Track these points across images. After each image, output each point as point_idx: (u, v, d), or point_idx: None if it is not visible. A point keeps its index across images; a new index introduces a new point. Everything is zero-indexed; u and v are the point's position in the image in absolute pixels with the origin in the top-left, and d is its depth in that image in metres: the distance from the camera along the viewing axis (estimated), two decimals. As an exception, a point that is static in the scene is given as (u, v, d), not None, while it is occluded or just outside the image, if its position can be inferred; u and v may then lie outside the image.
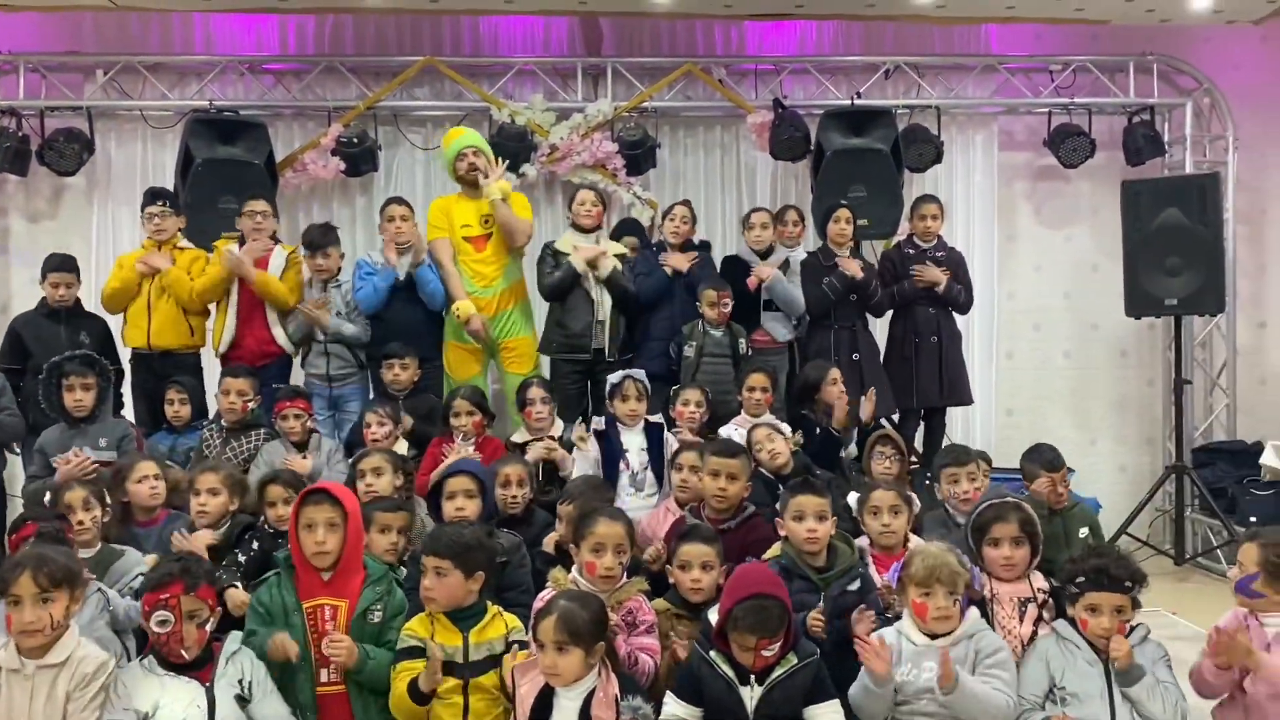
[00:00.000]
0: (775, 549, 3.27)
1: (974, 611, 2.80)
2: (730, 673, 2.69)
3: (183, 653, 2.68)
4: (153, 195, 5.21)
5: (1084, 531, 3.84)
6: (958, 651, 2.70)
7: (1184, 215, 5.87)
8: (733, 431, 4.51)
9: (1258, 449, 5.96)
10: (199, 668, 2.71)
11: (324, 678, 2.91)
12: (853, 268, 5.23)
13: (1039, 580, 3.07)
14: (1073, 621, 2.77)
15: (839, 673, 2.79)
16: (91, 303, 5.29)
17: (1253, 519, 5.70)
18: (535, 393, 4.60)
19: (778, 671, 2.68)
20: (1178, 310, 6.01)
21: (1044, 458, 3.93)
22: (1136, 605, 2.72)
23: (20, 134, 6.05)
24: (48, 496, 3.57)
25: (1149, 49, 6.46)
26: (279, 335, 5.12)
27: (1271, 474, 5.77)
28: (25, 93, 6.15)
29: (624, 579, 3.05)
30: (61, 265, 5.05)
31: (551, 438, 4.51)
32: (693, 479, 3.80)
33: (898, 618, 3.00)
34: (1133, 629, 2.73)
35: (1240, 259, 6.56)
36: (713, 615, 2.81)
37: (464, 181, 5.26)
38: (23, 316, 5.17)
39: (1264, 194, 6.75)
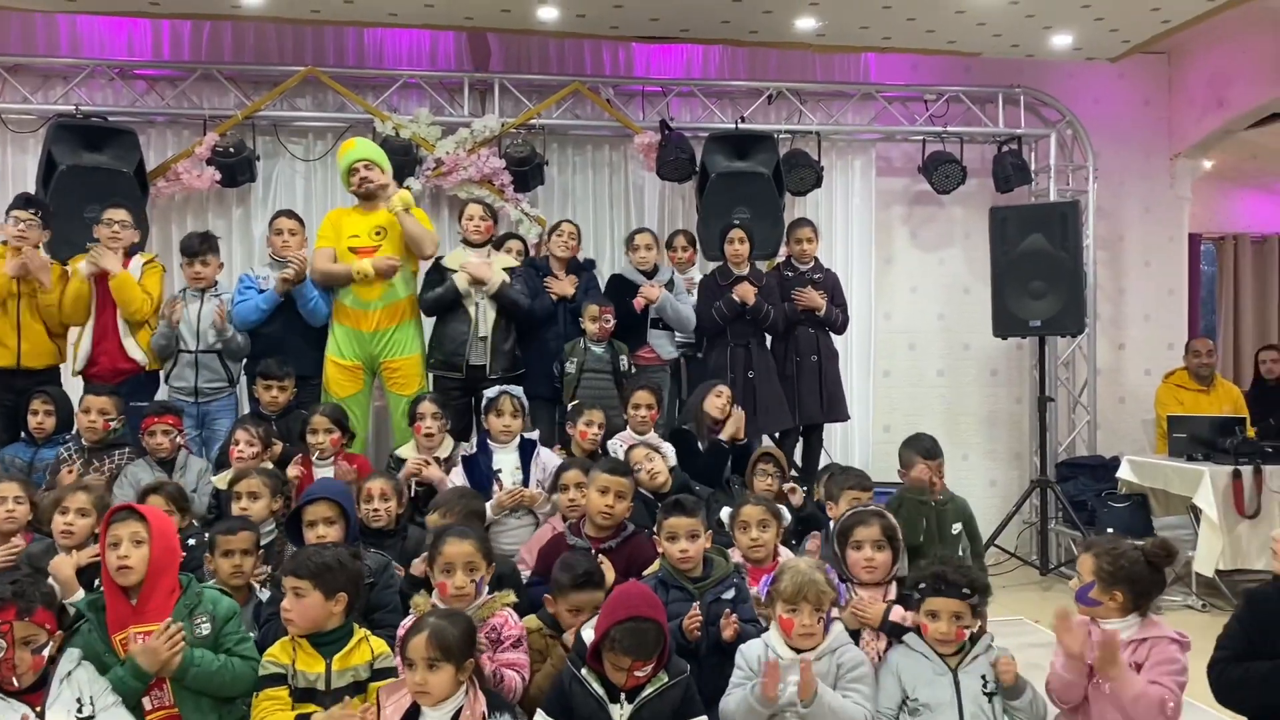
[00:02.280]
0: (655, 565, 3.32)
1: (838, 626, 2.86)
2: (601, 691, 2.70)
3: (14, 680, 2.53)
4: (25, 201, 4.98)
5: (957, 527, 3.98)
6: (820, 666, 2.76)
7: (1047, 240, 6.17)
8: (618, 448, 4.54)
9: (1115, 464, 6.25)
10: (31, 691, 2.57)
11: (148, 704, 2.76)
12: (746, 294, 5.31)
13: (893, 592, 3.15)
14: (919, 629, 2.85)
15: (712, 681, 2.84)
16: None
17: (1109, 530, 5.97)
18: (426, 408, 4.55)
19: (648, 690, 2.70)
20: (1041, 331, 6.30)
21: (922, 445, 4.06)
22: (978, 614, 2.80)
23: None
24: None
25: (1017, 82, 6.78)
26: (131, 349, 4.92)
27: (1128, 487, 6.06)
28: (-125, 92, 5.82)
29: (484, 595, 3.02)
30: None
31: (437, 458, 4.47)
32: (580, 497, 3.81)
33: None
34: (977, 638, 2.81)
35: (1101, 283, 6.94)
36: (586, 633, 2.81)
37: (358, 194, 5.17)
38: None
39: (1122, 221, 7.15)
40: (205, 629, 2.84)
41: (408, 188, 5.89)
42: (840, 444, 6.45)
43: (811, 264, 5.74)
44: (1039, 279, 6.18)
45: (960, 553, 3.86)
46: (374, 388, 5.27)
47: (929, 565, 2.85)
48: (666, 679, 2.73)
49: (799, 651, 2.78)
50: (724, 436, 4.71)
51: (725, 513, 3.70)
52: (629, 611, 2.69)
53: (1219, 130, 6.82)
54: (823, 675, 2.74)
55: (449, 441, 4.62)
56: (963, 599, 2.75)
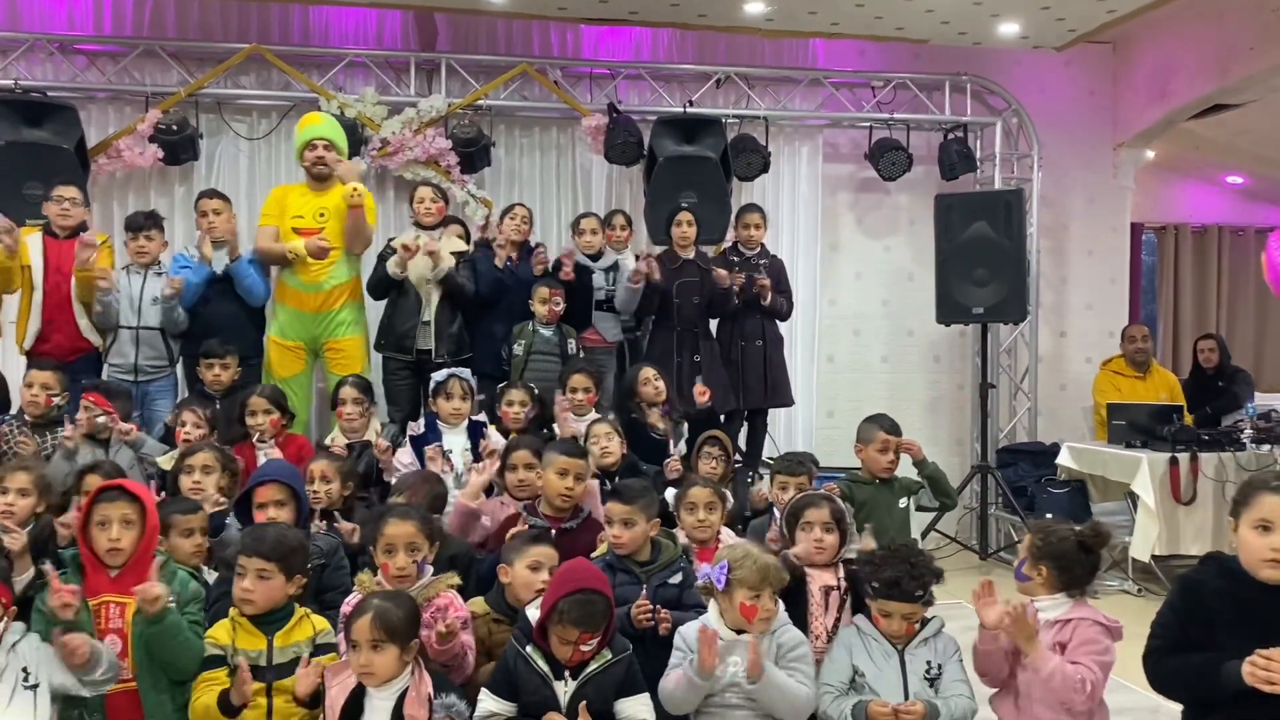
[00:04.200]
0: (603, 547, 3.34)
1: (779, 605, 2.90)
2: (545, 668, 2.73)
3: None
4: None
5: (904, 501, 4.06)
6: (762, 646, 2.80)
7: (991, 228, 6.26)
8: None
9: (1055, 450, 6.36)
10: None
11: None
12: (723, 279, 5.35)
13: (842, 571, 3.22)
14: (869, 611, 2.93)
15: (655, 665, 2.87)
16: None
17: (1048, 515, 6.09)
18: (347, 393, 4.54)
19: (592, 666, 2.73)
20: (984, 318, 6.40)
21: (885, 423, 4.11)
22: (929, 603, 2.87)
23: None
24: None
25: (964, 70, 6.86)
26: (86, 329, 4.90)
27: (1067, 473, 6.17)
28: None
29: (428, 576, 3.03)
30: None
31: (366, 441, 4.46)
32: (530, 476, 3.81)
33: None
34: (927, 622, 2.89)
35: (1043, 271, 7.05)
36: (530, 613, 2.83)
37: (309, 172, 5.13)
38: None
39: (1065, 210, 7.27)
40: (171, 605, 2.82)
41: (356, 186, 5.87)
42: (784, 429, 6.51)
43: (758, 250, 5.78)
44: (982, 266, 6.27)
45: (912, 533, 4.00)
46: (315, 369, 5.26)
47: (886, 565, 2.87)
48: (610, 656, 2.76)
49: (739, 633, 2.82)
50: (653, 421, 4.72)
51: (670, 493, 3.75)
52: (577, 584, 2.72)
53: (1162, 120, 6.94)
54: (763, 655, 2.77)
55: (375, 425, 4.62)
56: (915, 601, 2.82)
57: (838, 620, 3.11)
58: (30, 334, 4.87)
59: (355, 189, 4.97)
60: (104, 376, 4.82)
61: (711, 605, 2.92)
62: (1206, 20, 6.38)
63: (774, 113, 6.59)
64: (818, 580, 3.16)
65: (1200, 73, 6.53)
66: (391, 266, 5.04)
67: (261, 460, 4.18)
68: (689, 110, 6.34)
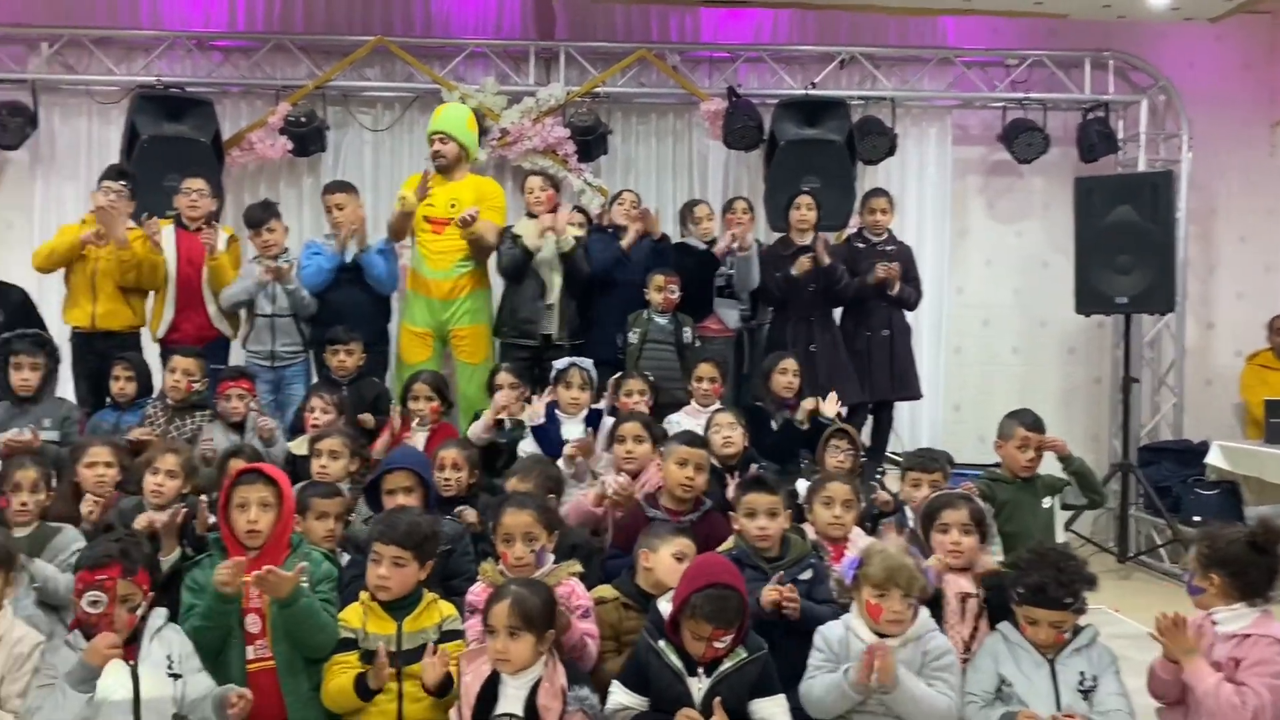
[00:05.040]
0: (730, 542, 3.24)
1: (924, 613, 2.77)
2: (679, 663, 2.66)
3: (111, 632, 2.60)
4: (118, 173, 5.13)
5: (1048, 501, 3.85)
6: (906, 653, 2.68)
7: (1136, 213, 5.90)
8: (683, 421, 4.45)
9: (1203, 449, 5.98)
10: (124, 646, 2.63)
11: (251, 654, 2.85)
12: (808, 265, 5.17)
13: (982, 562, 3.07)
14: (1016, 618, 2.78)
15: (786, 661, 2.78)
16: (14, 273, 5.19)
17: (1196, 518, 5.72)
18: (504, 378, 4.56)
19: (726, 664, 2.65)
20: (1127, 308, 6.03)
21: (1027, 418, 3.91)
22: (1081, 611, 2.71)
23: (-38, 106, 5.94)
24: None
25: (1106, 45, 6.49)
26: (215, 317, 5.07)
27: (1217, 474, 5.79)
28: (-32, 65, 6.05)
29: (548, 564, 3.00)
30: None
31: (519, 422, 4.44)
32: (638, 450, 3.78)
33: (846, 607, 2.99)
34: (1079, 630, 2.73)
35: (1191, 259, 6.60)
36: (662, 606, 2.77)
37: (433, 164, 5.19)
38: None
39: (1215, 194, 6.80)
40: (304, 586, 2.88)
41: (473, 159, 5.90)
42: (908, 423, 6.27)
43: (885, 236, 5.58)
44: (1126, 253, 5.91)
45: (1056, 533, 3.79)
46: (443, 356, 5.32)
47: (1032, 570, 2.70)
48: (745, 654, 2.68)
49: (883, 636, 2.70)
50: (799, 417, 4.55)
51: (802, 485, 3.63)
52: (710, 579, 2.65)
53: (1324, 95, 6.41)
54: (907, 663, 2.66)
55: (525, 410, 4.63)
56: (1063, 609, 2.66)
57: (975, 629, 2.95)
58: (164, 322, 5.06)
59: (483, 226, 5.00)
60: (243, 363, 4.97)
61: (854, 606, 2.81)
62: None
63: (901, 93, 6.37)
64: (954, 586, 3.00)
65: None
66: (531, 240, 5.03)
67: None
68: (811, 93, 6.17)
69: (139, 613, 2.67)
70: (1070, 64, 6.51)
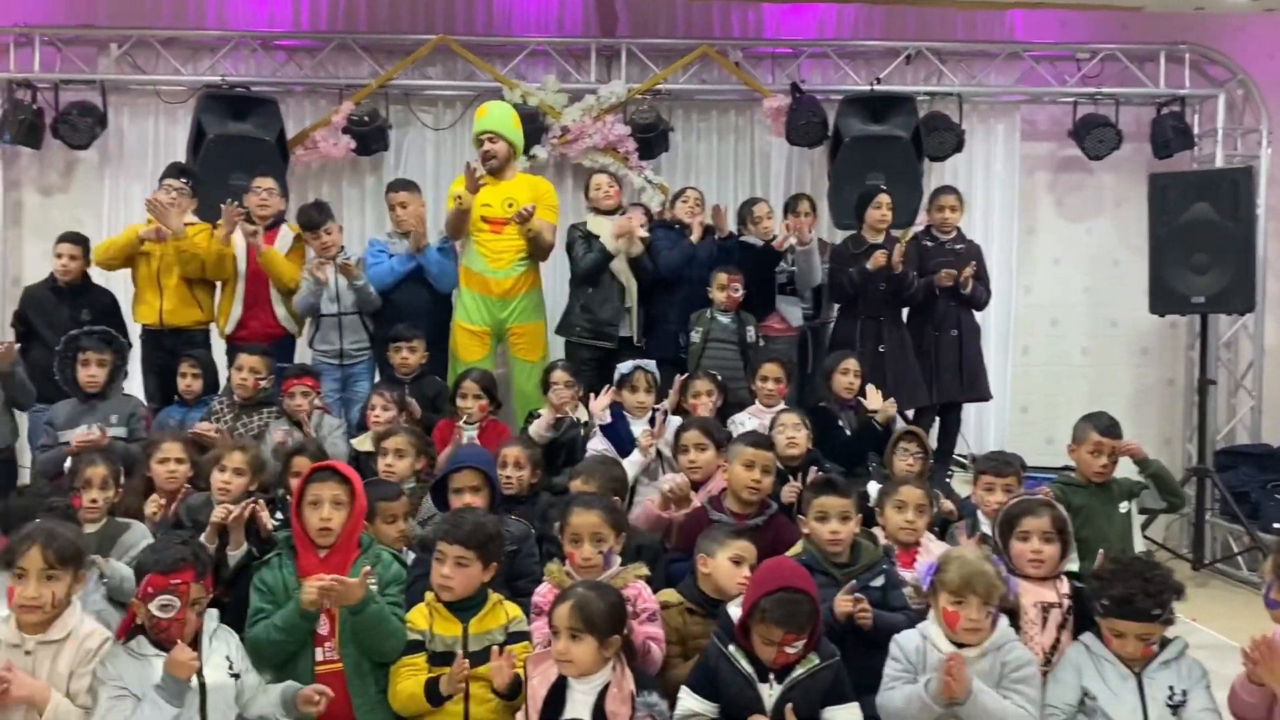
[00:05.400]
0: (797, 547, 3.18)
1: (1004, 622, 2.69)
2: (750, 669, 2.61)
3: (179, 640, 2.59)
4: (179, 170, 5.22)
5: (1125, 505, 3.75)
6: (984, 664, 2.60)
7: (1214, 210, 5.70)
8: (747, 421, 4.41)
9: (1285, 452, 5.80)
10: None
11: (320, 656, 2.85)
12: (883, 261, 5.06)
13: (1065, 586, 2.96)
14: (1099, 630, 2.69)
15: (856, 670, 2.73)
16: (102, 277, 5.25)
17: (1276, 525, 5.55)
18: (559, 375, 4.53)
19: (798, 670, 2.60)
20: (1204, 308, 5.84)
21: (1101, 422, 3.81)
22: (1169, 622, 2.62)
23: (35, 107, 6.04)
24: (68, 463, 3.56)
25: (1181, 38, 6.30)
26: (283, 317, 5.12)
27: (1299, 479, 5.61)
28: (40, 66, 6.13)
29: (614, 566, 2.98)
30: (69, 238, 5.07)
31: (576, 421, 4.45)
32: (701, 458, 3.74)
33: (920, 614, 2.93)
34: (1167, 643, 2.64)
35: (1270, 257, 6.38)
36: (732, 610, 2.72)
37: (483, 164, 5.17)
38: (30, 289, 5.20)
39: (1297, 189, 6.55)
40: (372, 588, 2.87)
41: (533, 156, 5.88)
42: (974, 425, 6.14)
43: (953, 234, 5.46)
44: (1203, 252, 5.71)
45: (1135, 539, 3.67)
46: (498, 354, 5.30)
47: (1117, 580, 2.61)
48: (818, 660, 2.62)
49: (961, 646, 2.63)
50: (879, 419, 4.46)
51: (874, 488, 3.55)
52: (780, 582, 2.59)
53: None
54: (985, 674, 2.59)
55: (581, 409, 4.59)
56: (1151, 621, 2.56)
57: (1057, 641, 2.85)
58: (232, 319, 5.10)
59: (540, 224, 4.98)
60: (310, 362, 5.00)
61: (931, 614, 2.74)
62: None
63: (968, 89, 6.24)
64: (1033, 595, 2.90)
65: None
66: (612, 243, 5.02)
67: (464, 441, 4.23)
68: (876, 88, 6.06)
69: (203, 615, 2.68)
70: (1144, 58, 6.32)
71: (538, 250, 5.10)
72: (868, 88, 6.09)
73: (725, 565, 2.95)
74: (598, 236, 5.09)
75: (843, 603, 2.85)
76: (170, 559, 2.62)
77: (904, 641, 2.71)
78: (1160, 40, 6.29)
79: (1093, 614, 2.71)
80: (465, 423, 4.31)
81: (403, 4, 6.30)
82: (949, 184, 5.71)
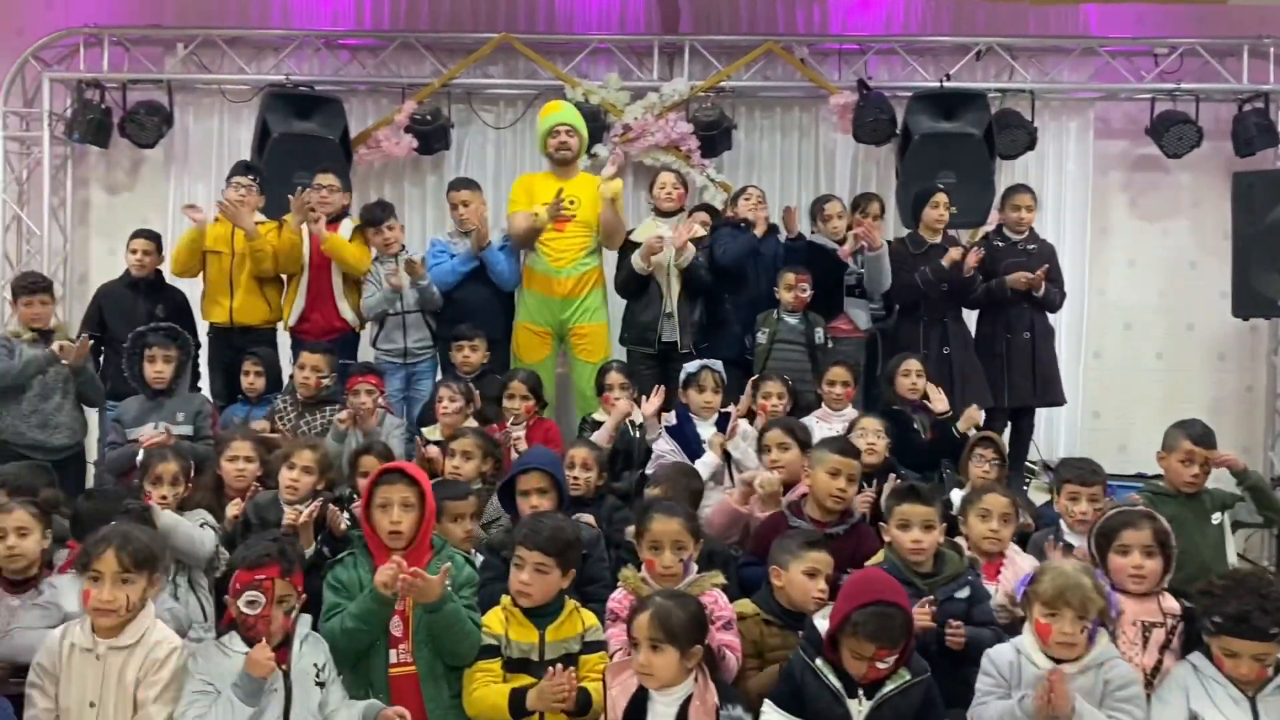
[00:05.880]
0: (879, 556, 3.10)
1: (1104, 638, 2.58)
2: (838, 684, 2.52)
3: (265, 639, 2.58)
4: (245, 168, 5.24)
5: (1217, 517, 3.61)
6: (1085, 681, 2.50)
7: (1303, 210, 5.49)
8: (814, 425, 4.32)
9: (1370, 462, 5.58)
10: (276, 649, 2.61)
11: (393, 658, 2.80)
12: (957, 256, 4.91)
13: (1169, 602, 2.84)
14: (1208, 650, 2.56)
15: (946, 686, 2.64)
16: (170, 274, 5.28)
17: (1363, 538, 5.34)
18: (614, 378, 4.48)
19: (889, 686, 2.51)
20: (1292, 312, 5.64)
21: (1195, 430, 3.65)
22: None
23: (103, 106, 6.12)
24: (139, 458, 3.57)
25: (1264, 32, 6.08)
26: (345, 311, 5.11)
27: (1385, 489, 5.37)
28: (109, 66, 6.21)
29: (692, 574, 2.91)
30: (142, 234, 5.14)
31: (632, 421, 4.38)
32: (784, 457, 3.67)
33: (1007, 628, 2.83)
34: None
35: (1358, 260, 6.13)
36: (819, 622, 2.63)
37: (553, 159, 5.15)
38: (105, 286, 5.25)
39: (1387, 189, 6.29)
40: (448, 583, 2.82)
41: (594, 155, 5.83)
42: (1045, 429, 5.97)
43: (1026, 234, 5.30)
44: (1290, 253, 5.51)
45: (1228, 553, 3.49)
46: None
47: (1230, 597, 2.49)
48: (909, 676, 2.53)
49: (1058, 662, 2.52)
50: (961, 427, 4.34)
51: (956, 495, 3.45)
52: (873, 595, 2.50)
53: None
54: (1086, 692, 2.48)
55: (636, 410, 4.53)
56: (1269, 640, 2.43)
57: (1159, 663, 2.73)
58: (295, 312, 5.12)
59: (611, 187, 4.99)
60: (373, 360, 4.99)
61: (1026, 628, 2.63)
62: None
63: (1041, 86, 6.08)
64: (1132, 613, 2.79)
65: None
66: (637, 261, 4.95)
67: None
68: (947, 85, 5.93)
69: (292, 616, 2.64)
70: (1225, 52, 6.11)
71: (610, 232, 5.00)
72: (937, 84, 5.95)
73: (799, 579, 2.88)
74: (639, 244, 5.00)
75: (919, 616, 2.75)
76: (255, 554, 2.62)
77: (997, 656, 2.61)
78: (1243, 34, 6.07)
79: (1201, 633, 2.58)
80: (513, 423, 4.27)
81: (464, 3, 6.29)
82: (1023, 183, 5.57)
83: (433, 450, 4.02)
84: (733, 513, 3.54)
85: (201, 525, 3.33)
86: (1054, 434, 6.07)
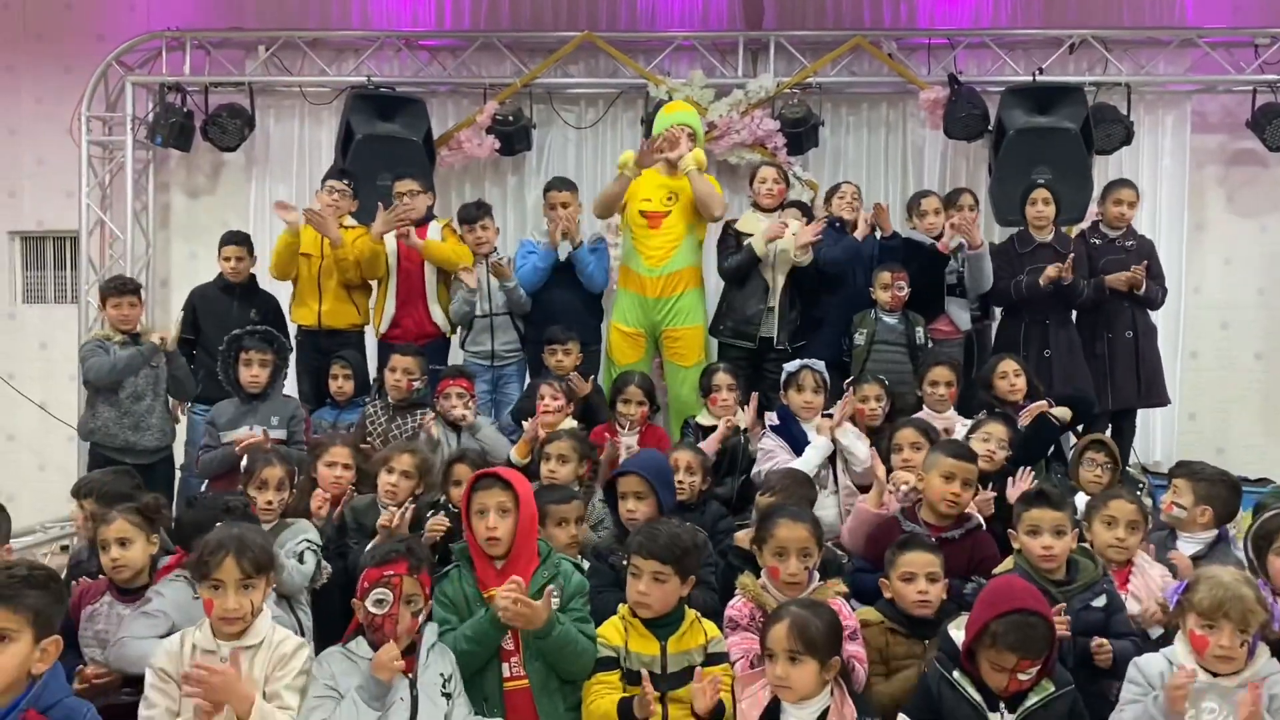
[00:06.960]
0: (1008, 563, 3.00)
1: (1266, 651, 2.46)
2: (978, 697, 2.43)
3: (393, 640, 2.52)
4: (340, 173, 5.24)
5: None
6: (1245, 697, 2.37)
7: None
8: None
9: None
10: (403, 656, 2.55)
11: (507, 671, 2.73)
12: (1053, 274, 4.77)
13: None
14: None
15: (1085, 696, 2.54)
16: (263, 279, 5.28)
17: None
18: (721, 379, 4.40)
19: (1032, 699, 2.41)
20: (1401, 310, 5.45)
21: None
22: None
23: (185, 110, 6.14)
24: (244, 462, 3.56)
25: (1373, 20, 5.89)
26: (437, 315, 5.09)
27: None
28: (190, 69, 6.24)
29: (815, 582, 2.84)
30: (234, 239, 5.12)
31: (736, 426, 4.30)
32: (917, 457, 3.58)
33: (1145, 638, 2.73)
34: None
35: None
36: (954, 633, 2.54)
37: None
38: (200, 288, 5.24)
39: None
40: (555, 601, 2.75)
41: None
42: (1141, 432, 5.73)
43: (1124, 230, 5.14)
44: (1401, 250, 5.33)
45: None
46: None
47: None
48: (1052, 688, 2.42)
49: (1214, 675, 2.41)
50: (1059, 414, 4.23)
51: (1081, 501, 3.33)
52: (1013, 604, 2.40)
53: None
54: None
55: (741, 413, 4.45)
56: None
57: None
58: (385, 317, 5.09)
59: (691, 157, 4.89)
60: (462, 363, 4.96)
61: (1178, 638, 2.52)
62: None
63: (1137, 79, 5.91)
64: None
65: None
66: (758, 243, 4.86)
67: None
68: (1040, 79, 5.79)
69: (420, 618, 2.60)
70: (1330, 41, 5.94)
71: (708, 196, 4.90)
72: (1028, 78, 5.82)
73: (897, 584, 2.83)
74: (749, 235, 4.93)
75: (1057, 625, 2.63)
76: (383, 552, 2.60)
77: (1146, 665, 2.50)
78: (1350, 22, 5.90)
79: None
80: (627, 429, 4.22)
81: (545, 1, 6.27)
82: (1124, 177, 5.40)
83: (429, 420, 4.17)
84: (873, 520, 3.43)
85: (301, 552, 3.21)
86: (1150, 436, 5.90)
